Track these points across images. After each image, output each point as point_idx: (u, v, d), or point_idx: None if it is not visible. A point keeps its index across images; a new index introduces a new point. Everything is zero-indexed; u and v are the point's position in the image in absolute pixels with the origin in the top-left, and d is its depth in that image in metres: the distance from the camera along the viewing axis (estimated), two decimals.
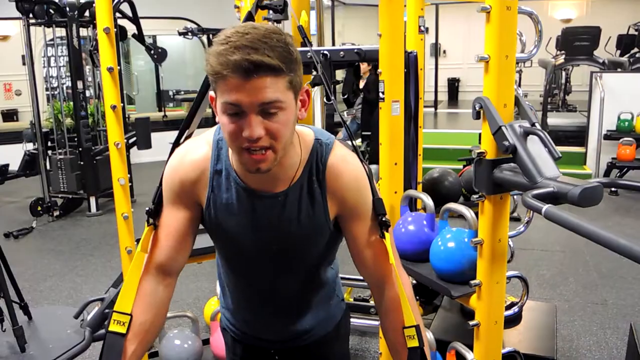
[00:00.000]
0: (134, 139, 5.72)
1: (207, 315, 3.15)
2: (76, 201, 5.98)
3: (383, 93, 2.12)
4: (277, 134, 1.01)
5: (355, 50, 2.25)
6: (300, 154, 1.15)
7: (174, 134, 6.32)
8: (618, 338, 2.99)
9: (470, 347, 1.87)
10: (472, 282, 1.80)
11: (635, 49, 8.38)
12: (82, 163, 5.71)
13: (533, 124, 1.66)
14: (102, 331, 2.29)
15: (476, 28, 13.49)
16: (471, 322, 1.81)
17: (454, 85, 14.00)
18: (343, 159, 1.17)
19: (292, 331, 1.35)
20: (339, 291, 1.43)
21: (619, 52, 9.97)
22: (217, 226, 1.18)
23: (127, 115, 6.45)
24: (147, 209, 1.20)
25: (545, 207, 1.32)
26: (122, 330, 1.11)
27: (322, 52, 2.20)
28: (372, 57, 2.32)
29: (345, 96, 2.94)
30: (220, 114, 1.03)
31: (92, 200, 5.78)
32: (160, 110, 9.88)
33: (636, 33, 8.75)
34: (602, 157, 6.33)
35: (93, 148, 5.79)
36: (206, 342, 2.70)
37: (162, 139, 7.26)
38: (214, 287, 3.75)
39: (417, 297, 2.93)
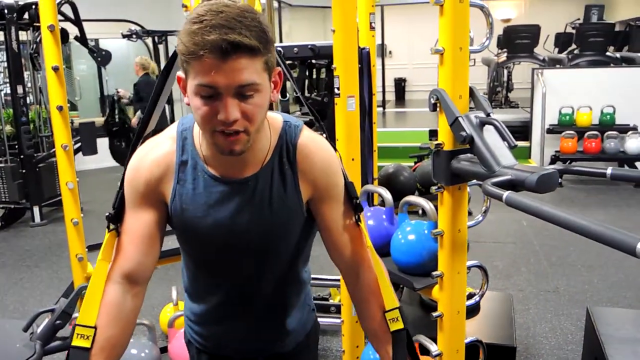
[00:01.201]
0: (79, 144, 5.53)
1: (162, 323, 3.06)
2: (18, 211, 5.71)
3: (338, 89, 2.12)
4: (252, 117, 0.98)
5: (309, 46, 2.23)
6: (270, 137, 1.12)
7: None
8: (572, 324, 3.08)
9: (433, 340, 1.88)
10: (434, 273, 1.81)
11: (573, 46, 8.72)
12: (24, 171, 5.45)
13: (488, 114, 1.68)
14: (54, 344, 2.18)
15: (419, 30, 13.76)
16: (434, 314, 1.83)
17: (400, 85, 14.24)
18: (313, 140, 1.15)
19: (264, 339, 1.29)
20: (310, 299, 1.38)
21: (556, 49, 10.38)
22: (184, 221, 1.11)
23: (70, 121, 6.22)
24: (107, 214, 1.13)
25: (506, 193, 1.34)
26: (87, 344, 1.04)
27: (276, 48, 2.17)
28: (325, 53, 2.31)
29: (297, 94, 2.93)
30: (192, 96, 0.98)
31: (36, 209, 5.53)
32: (104, 115, 9.59)
33: (573, 31, 9.10)
34: (546, 151, 6.54)
35: (35, 155, 5.54)
36: (164, 350, 2.62)
37: (107, 145, 7.07)
38: (168, 293, 3.65)
39: None
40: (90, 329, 1.05)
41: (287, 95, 2.03)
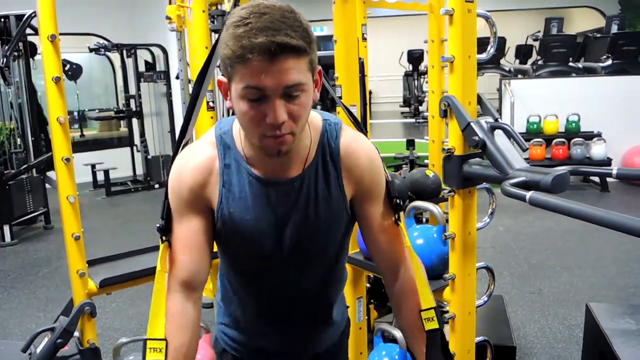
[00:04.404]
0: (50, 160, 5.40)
1: None
2: None
3: (340, 98, 2.15)
4: (298, 117, 0.99)
5: None
6: (310, 136, 1.12)
7: (90, 155, 5.96)
8: (559, 322, 3.18)
9: None
10: (446, 275, 1.85)
11: (534, 57, 9.02)
12: None
13: (496, 120, 1.74)
14: None
15: (384, 43, 14.00)
16: (447, 316, 1.86)
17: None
18: (356, 138, 1.16)
19: (306, 338, 1.29)
20: (344, 296, 1.40)
21: (517, 61, 10.72)
22: (232, 224, 1.10)
23: (42, 137, 6.06)
24: (157, 225, 1.12)
25: (529, 193, 1.39)
26: (161, 357, 1.04)
27: None
28: (325, 63, 2.33)
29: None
30: (237, 100, 0.98)
31: (6, 229, 5.33)
32: None
33: (534, 43, 9.43)
34: None
35: (4, 172, 5.36)
36: None
37: (77, 160, 6.92)
38: None
39: (372, 300, 2.97)
40: (161, 342, 1.05)
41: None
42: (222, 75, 1.02)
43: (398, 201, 1.19)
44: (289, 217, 1.12)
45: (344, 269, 1.32)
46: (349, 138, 1.15)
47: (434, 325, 1.16)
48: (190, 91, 1.65)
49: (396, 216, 1.20)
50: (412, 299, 1.19)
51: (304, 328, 1.28)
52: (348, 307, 1.43)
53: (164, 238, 1.12)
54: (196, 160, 1.11)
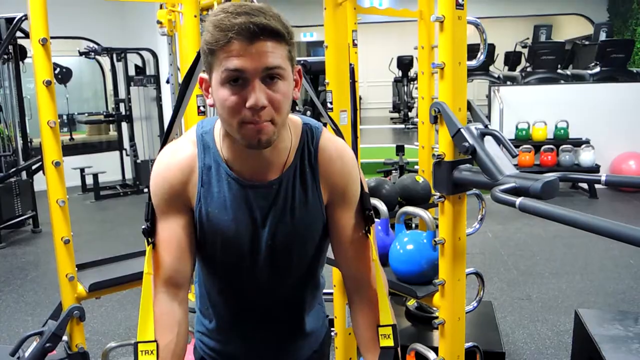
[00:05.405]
0: (39, 164, 5.37)
1: None
2: None
3: (331, 103, 2.16)
4: (279, 105, 0.99)
5: (302, 62, 2.26)
6: (291, 138, 1.12)
7: (79, 159, 5.95)
8: (548, 329, 3.20)
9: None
10: (436, 281, 1.85)
11: (524, 64, 9.09)
12: None
13: (486, 126, 1.76)
14: None
15: (374, 49, 14.06)
16: (436, 321, 1.87)
17: None
18: (335, 143, 1.16)
19: (282, 345, 1.28)
20: (323, 305, 1.39)
21: (506, 67, 10.81)
22: (210, 225, 1.11)
23: (29, 139, 6.02)
24: (142, 227, 1.12)
25: (519, 199, 1.40)
26: (153, 358, 1.05)
27: None
28: (317, 69, 2.35)
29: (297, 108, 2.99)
30: (217, 88, 0.99)
31: None
32: None
33: (522, 50, 9.51)
34: None
35: None
36: None
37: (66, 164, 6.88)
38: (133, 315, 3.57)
39: None
40: (152, 344, 1.06)
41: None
42: (204, 70, 1.04)
43: (370, 213, 1.20)
44: (266, 219, 1.12)
45: (320, 276, 1.31)
46: (328, 143, 1.15)
47: (389, 342, 1.16)
48: None
49: (366, 228, 1.20)
50: (372, 313, 1.19)
51: (278, 336, 1.27)
52: (328, 316, 1.42)
53: (149, 240, 1.12)
54: (177, 159, 1.11)
